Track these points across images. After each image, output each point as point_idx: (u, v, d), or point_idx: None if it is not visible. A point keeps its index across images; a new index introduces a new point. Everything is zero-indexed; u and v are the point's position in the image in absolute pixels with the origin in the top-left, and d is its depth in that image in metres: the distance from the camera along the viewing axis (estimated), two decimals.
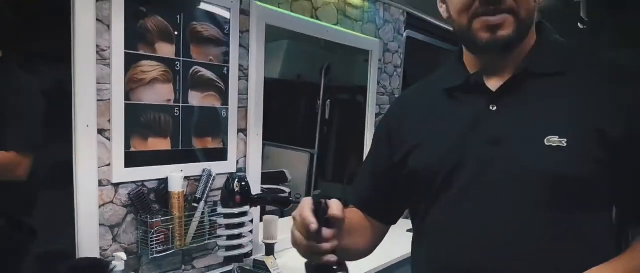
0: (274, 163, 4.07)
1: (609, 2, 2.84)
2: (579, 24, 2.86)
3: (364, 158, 1.05)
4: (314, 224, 0.67)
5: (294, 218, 0.72)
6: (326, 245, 0.69)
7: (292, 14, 2.00)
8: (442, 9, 0.87)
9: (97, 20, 1.39)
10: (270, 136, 4.21)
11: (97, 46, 1.39)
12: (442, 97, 0.88)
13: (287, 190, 3.56)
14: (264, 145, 4.44)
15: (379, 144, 0.99)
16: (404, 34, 2.76)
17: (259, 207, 1.85)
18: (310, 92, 4.02)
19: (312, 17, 2.12)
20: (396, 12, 2.67)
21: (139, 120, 1.52)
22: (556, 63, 0.81)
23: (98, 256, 1.43)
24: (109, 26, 1.41)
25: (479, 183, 0.79)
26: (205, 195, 1.67)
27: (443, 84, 0.89)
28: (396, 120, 0.96)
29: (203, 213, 1.67)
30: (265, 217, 1.91)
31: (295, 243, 0.73)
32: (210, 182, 1.69)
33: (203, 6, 1.67)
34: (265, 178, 3.61)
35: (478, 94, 0.83)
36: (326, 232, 0.68)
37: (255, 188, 1.89)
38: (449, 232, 0.83)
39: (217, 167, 1.75)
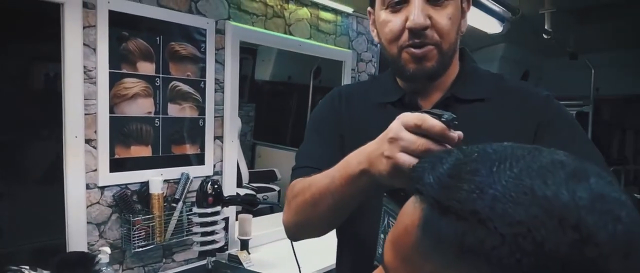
0: (265, 162, 4.25)
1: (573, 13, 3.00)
2: (544, 35, 3.04)
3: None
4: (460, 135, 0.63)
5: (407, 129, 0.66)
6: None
7: (265, 31, 2.19)
8: (373, 33, 0.93)
9: (84, 44, 1.58)
10: (261, 136, 4.42)
11: (85, 67, 1.59)
12: (376, 109, 0.92)
13: (277, 188, 3.74)
14: (254, 144, 4.64)
15: (326, 131, 0.98)
16: (378, 44, 2.93)
17: (234, 206, 2.05)
18: (300, 93, 4.17)
19: (285, 33, 2.30)
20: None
21: (122, 130, 1.71)
22: (478, 90, 0.89)
23: (86, 250, 1.63)
24: (95, 49, 1.61)
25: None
26: (183, 196, 1.87)
27: (378, 97, 0.94)
28: (341, 121, 0.96)
29: (181, 212, 1.87)
30: (240, 216, 2.11)
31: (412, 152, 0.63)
32: (188, 184, 1.90)
33: (181, 28, 1.85)
34: (256, 176, 3.82)
35: (411, 111, 0.86)
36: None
37: (230, 189, 2.08)
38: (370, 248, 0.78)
39: (196, 171, 1.95)
